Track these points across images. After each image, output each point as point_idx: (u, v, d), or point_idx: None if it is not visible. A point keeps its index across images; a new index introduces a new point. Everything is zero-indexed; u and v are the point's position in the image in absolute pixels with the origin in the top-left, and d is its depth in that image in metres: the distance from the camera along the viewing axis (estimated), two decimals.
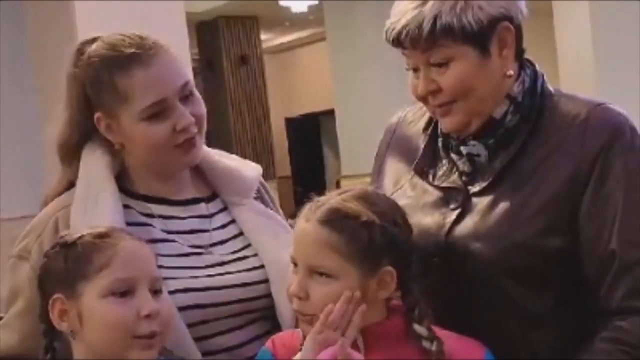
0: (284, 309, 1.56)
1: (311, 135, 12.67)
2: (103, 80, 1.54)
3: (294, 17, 9.11)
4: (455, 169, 1.56)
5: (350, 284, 1.35)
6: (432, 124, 1.63)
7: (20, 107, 4.73)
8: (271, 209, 1.74)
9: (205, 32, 9.80)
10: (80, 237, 1.37)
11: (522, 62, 1.55)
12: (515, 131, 1.51)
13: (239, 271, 1.59)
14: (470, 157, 1.54)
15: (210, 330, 1.54)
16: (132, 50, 1.53)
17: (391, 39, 1.49)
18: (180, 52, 1.64)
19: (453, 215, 1.51)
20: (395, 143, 1.71)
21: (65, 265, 1.36)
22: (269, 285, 1.59)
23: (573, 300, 1.47)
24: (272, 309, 1.59)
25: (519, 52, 1.53)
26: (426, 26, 1.43)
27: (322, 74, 10.27)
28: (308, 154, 12.52)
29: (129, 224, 1.53)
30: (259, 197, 1.73)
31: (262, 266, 1.61)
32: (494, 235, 1.46)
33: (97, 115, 1.57)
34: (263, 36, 10.58)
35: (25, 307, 1.52)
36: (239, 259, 1.62)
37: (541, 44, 9.65)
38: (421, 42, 1.45)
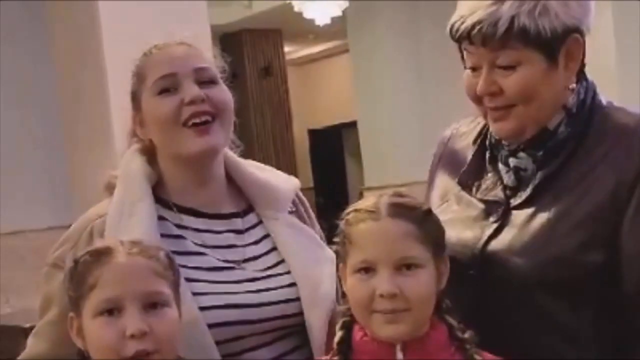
0: (315, 326, 1.55)
1: (334, 147, 12.65)
2: (134, 75, 1.61)
3: (317, 29, 9.12)
4: (499, 183, 1.53)
5: (432, 272, 1.37)
6: (481, 136, 1.61)
7: (43, 114, 4.75)
8: (307, 223, 1.72)
9: (229, 44, 9.83)
10: (82, 256, 1.37)
11: (580, 75, 1.52)
12: (564, 143, 1.48)
13: (272, 288, 1.58)
14: (517, 171, 1.51)
15: (240, 347, 1.53)
16: (155, 43, 1.61)
17: (459, 33, 1.45)
18: None
19: (491, 229, 1.50)
20: (446, 156, 1.70)
21: (71, 284, 1.37)
22: (300, 303, 1.58)
23: (612, 319, 1.43)
24: (302, 326, 1.58)
25: (583, 66, 1.51)
26: (502, 25, 1.40)
27: (345, 86, 10.27)
28: (331, 166, 12.50)
29: (163, 235, 1.53)
30: (295, 211, 1.72)
31: (293, 284, 1.60)
32: (530, 250, 1.44)
33: (133, 113, 1.60)
34: (287, 48, 10.60)
35: (57, 316, 1.54)
36: (272, 275, 1.61)
37: None
38: (494, 41, 1.42)
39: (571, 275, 1.42)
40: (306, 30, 10.12)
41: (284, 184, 1.71)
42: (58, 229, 1.65)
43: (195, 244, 1.58)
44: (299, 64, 12.63)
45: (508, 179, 1.53)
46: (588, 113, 1.50)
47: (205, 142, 1.55)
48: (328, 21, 7.96)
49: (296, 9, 7.83)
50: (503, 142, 1.54)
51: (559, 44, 1.44)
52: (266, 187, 1.68)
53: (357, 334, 1.40)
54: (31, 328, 1.63)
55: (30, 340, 1.58)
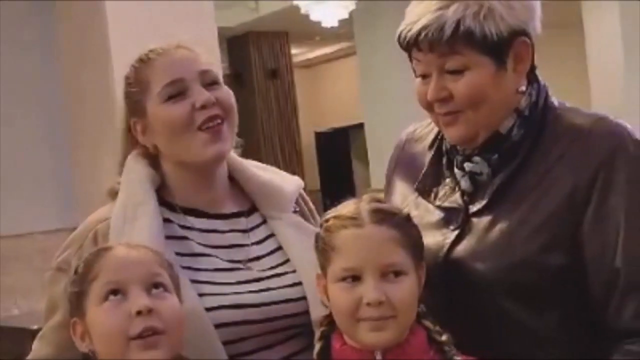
0: (315, 325, 1.55)
1: (341, 149, 12.66)
2: (131, 80, 1.60)
3: (324, 31, 9.12)
4: (457, 188, 1.53)
5: (414, 278, 1.36)
6: (437, 141, 1.61)
7: (50, 116, 4.75)
8: (311, 223, 1.72)
9: (236, 46, 9.84)
10: (83, 259, 1.39)
11: (530, 77, 1.52)
12: (518, 146, 1.48)
13: (278, 287, 1.58)
14: (472, 176, 1.51)
15: (248, 347, 1.53)
16: (154, 46, 1.59)
17: (407, 40, 1.45)
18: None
19: (452, 236, 1.50)
20: (402, 160, 1.70)
21: (72, 289, 1.37)
22: (306, 302, 1.58)
23: (578, 320, 1.43)
24: (308, 326, 1.57)
25: (532, 68, 1.51)
26: (448, 29, 1.40)
27: (351, 88, 10.27)
28: (337, 168, 12.51)
29: (168, 237, 1.53)
30: (299, 211, 1.72)
31: (298, 283, 1.60)
32: (493, 255, 1.44)
33: (132, 120, 1.59)
34: (293, 50, 10.61)
35: (62, 320, 1.53)
36: (278, 274, 1.61)
37: (571, 54, 9.59)
38: (440, 46, 1.42)
39: (534, 279, 1.42)
40: (313, 33, 10.12)
41: (287, 183, 1.71)
42: (65, 231, 1.65)
43: (200, 244, 1.59)
44: (306, 66, 12.64)
45: (464, 183, 1.52)
46: (541, 114, 1.50)
47: (218, 148, 1.56)
48: (335, 23, 7.97)
49: (303, 11, 7.84)
50: (457, 147, 1.54)
51: (507, 47, 1.44)
52: (269, 187, 1.68)
53: (336, 343, 1.38)
54: (38, 330, 1.63)
55: (35, 344, 1.58)
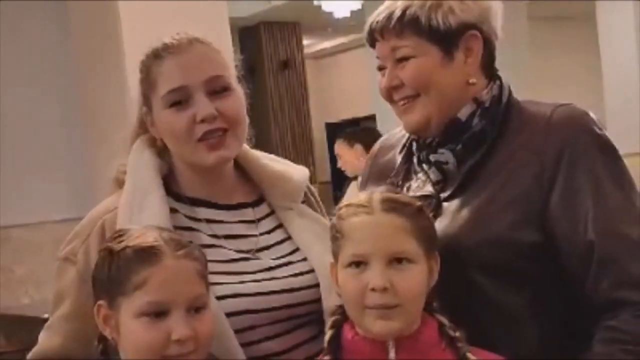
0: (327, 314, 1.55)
1: None
2: (143, 72, 1.59)
3: (336, 22, 9.11)
4: (429, 181, 1.58)
5: (424, 268, 1.37)
6: (407, 145, 1.67)
7: (62, 108, 4.78)
8: (317, 213, 1.73)
9: (247, 37, 9.85)
10: (124, 248, 1.35)
11: (492, 74, 1.59)
12: (482, 136, 1.54)
13: (287, 276, 1.58)
14: (439, 165, 1.56)
15: (258, 336, 1.54)
16: (167, 41, 1.56)
17: (367, 34, 1.57)
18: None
19: None
20: (375, 169, 1.75)
21: (108, 275, 1.36)
22: (317, 290, 1.58)
23: (552, 297, 1.46)
24: (319, 314, 1.58)
25: (489, 65, 1.57)
26: (395, 15, 1.51)
27: (363, 79, 10.26)
28: None
29: (175, 228, 1.52)
30: (306, 201, 1.73)
31: (310, 271, 1.60)
32: (465, 233, 1.48)
33: (144, 109, 1.60)
34: (305, 41, 10.60)
35: (70, 311, 1.54)
36: (287, 263, 1.61)
37: (585, 46, 9.52)
38: (389, 31, 1.52)
39: (507, 255, 1.45)
40: (325, 24, 10.11)
41: (296, 174, 1.71)
42: (76, 220, 1.64)
43: (208, 235, 1.59)
44: (318, 57, 12.63)
45: (433, 174, 1.57)
46: (505, 109, 1.56)
47: (219, 155, 1.55)
48: (347, 14, 7.96)
49: (315, 2, 7.83)
50: (419, 139, 1.60)
51: (455, 39, 1.52)
52: (280, 177, 1.68)
53: (348, 333, 1.39)
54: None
55: (42, 334, 1.58)
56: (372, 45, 1.59)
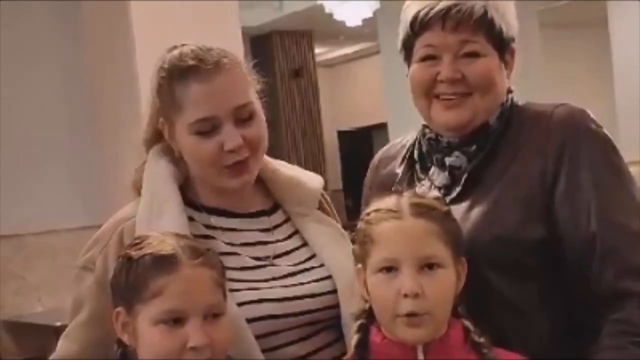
0: (350, 319, 1.56)
1: (363, 149, 12.65)
2: (164, 87, 1.57)
3: (348, 31, 9.13)
4: (434, 187, 1.60)
5: (452, 273, 1.38)
6: (407, 156, 1.69)
7: (76, 114, 4.80)
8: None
9: (260, 45, 9.87)
10: (142, 256, 1.36)
11: None
12: (492, 137, 1.58)
13: (307, 282, 1.59)
14: (451, 170, 1.58)
15: (279, 341, 1.54)
16: (193, 62, 1.54)
17: (429, 17, 1.53)
18: None
19: None
20: (377, 182, 1.76)
21: (127, 282, 1.37)
22: (335, 296, 1.59)
23: (561, 290, 1.48)
24: (336, 320, 1.59)
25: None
26: (478, 11, 1.52)
27: (375, 88, 10.26)
28: (360, 168, 12.48)
29: (193, 236, 1.52)
30: (320, 208, 1.73)
31: (328, 277, 1.61)
32: (473, 235, 1.49)
33: (160, 119, 1.60)
34: (317, 50, 10.62)
35: (87, 318, 1.55)
36: (306, 270, 1.62)
37: (596, 52, 9.51)
38: (465, 25, 1.52)
39: (514, 253, 1.48)
40: (337, 32, 10.13)
41: (311, 181, 1.73)
42: (91, 228, 1.65)
43: (226, 243, 1.59)
44: (330, 65, 12.65)
45: (443, 178, 1.59)
46: (509, 111, 1.60)
47: (242, 180, 1.57)
48: (359, 22, 7.96)
49: (327, 10, 7.84)
50: (440, 138, 1.61)
51: (506, 47, 1.58)
52: (297, 185, 1.69)
53: (376, 337, 1.40)
54: (62, 327, 1.64)
55: (60, 342, 1.59)
56: (418, 33, 1.57)
